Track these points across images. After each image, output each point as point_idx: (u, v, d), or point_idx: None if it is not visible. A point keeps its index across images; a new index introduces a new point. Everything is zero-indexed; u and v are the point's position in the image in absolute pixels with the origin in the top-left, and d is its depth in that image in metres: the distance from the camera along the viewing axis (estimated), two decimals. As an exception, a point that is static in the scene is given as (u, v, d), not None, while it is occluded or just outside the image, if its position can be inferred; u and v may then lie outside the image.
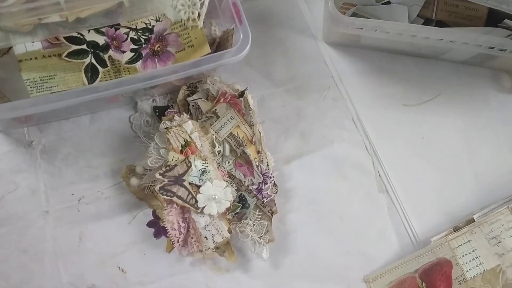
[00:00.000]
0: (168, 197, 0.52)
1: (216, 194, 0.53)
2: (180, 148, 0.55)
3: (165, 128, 0.56)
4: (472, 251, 0.59)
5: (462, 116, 0.69)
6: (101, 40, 0.56)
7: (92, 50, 0.56)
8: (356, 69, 0.70)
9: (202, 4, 0.57)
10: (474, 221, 0.60)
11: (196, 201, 0.53)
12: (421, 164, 0.66)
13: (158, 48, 0.58)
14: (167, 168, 0.53)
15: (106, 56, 0.57)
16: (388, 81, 0.70)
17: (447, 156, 0.66)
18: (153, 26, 0.58)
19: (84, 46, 0.56)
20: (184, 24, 0.58)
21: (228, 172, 0.58)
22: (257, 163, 0.59)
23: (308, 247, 0.60)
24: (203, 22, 0.58)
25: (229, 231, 0.55)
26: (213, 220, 0.54)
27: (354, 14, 0.68)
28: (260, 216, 0.58)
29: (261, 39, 0.68)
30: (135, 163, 0.58)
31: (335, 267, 0.59)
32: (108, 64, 0.57)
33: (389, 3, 0.68)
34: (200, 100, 0.60)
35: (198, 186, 0.53)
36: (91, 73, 0.56)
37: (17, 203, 0.58)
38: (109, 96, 0.53)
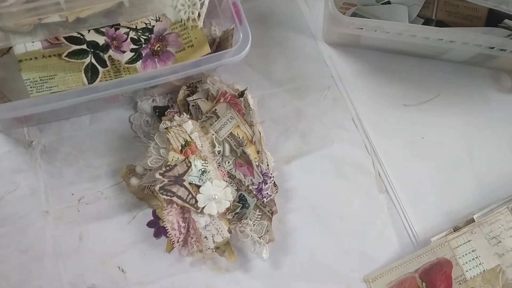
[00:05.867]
0: (168, 197, 0.52)
1: (216, 194, 0.53)
2: (180, 148, 0.55)
3: (165, 128, 0.56)
4: (472, 251, 0.59)
5: (462, 116, 0.69)
6: (101, 40, 0.56)
7: (92, 50, 0.56)
8: (356, 69, 0.70)
9: (202, 4, 0.57)
10: (474, 221, 0.60)
11: (196, 201, 0.53)
12: (421, 164, 0.66)
13: (158, 48, 0.58)
14: (167, 168, 0.53)
15: (106, 56, 0.57)
16: (388, 81, 0.70)
17: (447, 156, 0.66)
18: (153, 26, 0.58)
19: (84, 46, 0.56)
20: (184, 24, 0.58)
21: (228, 172, 0.58)
22: (257, 163, 0.59)
23: (308, 247, 0.60)
24: (203, 22, 0.58)
25: (229, 231, 0.55)
26: (213, 220, 0.54)
27: (354, 14, 0.68)
28: (260, 216, 0.58)
29: (261, 39, 0.68)
30: (135, 163, 0.58)
31: (335, 267, 0.59)
32: (108, 64, 0.57)
33: (389, 3, 0.68)
34: (200, 100, 0.60)
35: (198, 186, 0.53)
36: (91, 73, 0.56)
37: (17, 203, 0.58)
38: (109, 96, 0.53)
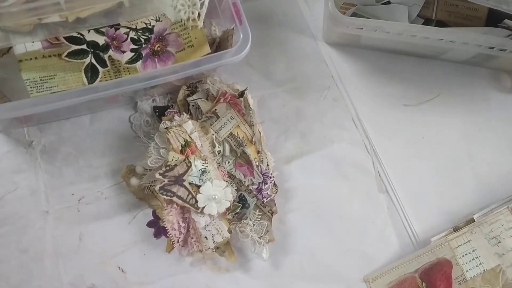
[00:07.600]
0: (168, 197, 0.52)
1: (216, 194, 0.53)
2: (180, 148, 0.55)
3: (165, 128, 0.56)
4: (472, 251, 0.59)
5: (462, 116, 0.69)
6: (101, 40, 0.56)
7: (92, 50, 0.56)
8: (356, 69, 0.70)
9: (202, 4, 0.57)
10: (474, 221, 0.60)
11: (196, 201, 0.53)
12: (421, 164, 0.66)
13: (158, 48, 0.58)
14: (167, 168, 0.53)
15: (106, 56, 0.57)
16: (388, 81, 0.70)
17: (447, 156, 0.66)
18: (153, 26, 0.58)
19: (84, 46, 0.56)
20: (184, 24, 0.58)
21: (228, 172, 0.58)
22: (257, 163, 0.59)
23: (308, 247, 0.60)
24: (203, 22, 0.58)
25: (229, 231, 0.55)
26: (213, 220, 0.54)
27: (354, 14, 0.68)
28: (260, 216, 0.58)
29: (261, 39, 0.68)
30: (135, 163, 0.58)
31: (335, 267, 0.59)
32: (108, 64, 0.57)
33: (389, 3, 0.68)
34: (200, 100, 0.60)
35: (198, 186, 0.53)
36: (91, 73, 0.56)
37: (17, 203, 0.58)
38: (109, 96, 0.53)
